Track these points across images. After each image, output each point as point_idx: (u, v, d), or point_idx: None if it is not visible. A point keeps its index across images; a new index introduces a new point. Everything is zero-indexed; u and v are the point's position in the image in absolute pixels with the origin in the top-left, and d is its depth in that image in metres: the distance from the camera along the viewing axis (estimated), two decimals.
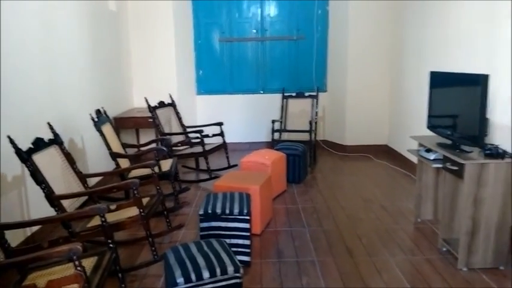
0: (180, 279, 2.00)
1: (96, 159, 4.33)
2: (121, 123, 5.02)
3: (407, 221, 3.56)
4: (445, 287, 2.56)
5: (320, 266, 2.84)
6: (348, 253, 3.02)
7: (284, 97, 5.76)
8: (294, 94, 5.75)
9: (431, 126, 3.34)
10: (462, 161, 2.64)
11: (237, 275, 2.10)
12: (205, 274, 2.04)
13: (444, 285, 2.58)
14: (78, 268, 1.78)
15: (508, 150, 2.70)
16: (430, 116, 3.35)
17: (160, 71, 5.73)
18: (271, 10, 6.13)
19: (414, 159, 4.07)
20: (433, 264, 2.83)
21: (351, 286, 2.59)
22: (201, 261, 2.11)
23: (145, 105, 4.75)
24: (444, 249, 3.00)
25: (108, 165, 4.29)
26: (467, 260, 2.74)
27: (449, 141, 3.02)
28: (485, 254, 2.73)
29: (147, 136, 5.29)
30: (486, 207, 2.68)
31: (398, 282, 2.62)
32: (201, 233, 2.86)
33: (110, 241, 2.31)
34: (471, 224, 2.70)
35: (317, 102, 5.56)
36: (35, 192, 2.90)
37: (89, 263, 2.13)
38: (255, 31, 6.17)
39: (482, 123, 2.69)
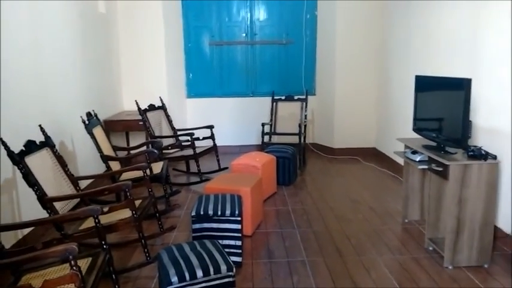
0: (174, 278, 2.03)
1: (86, 162, 4.32)
2: (111, 126, 5.02)
3: (394, 221, 3.65)
4: (431, 285, 2.63)
5: (310, 265, 2.90)
6: (337, 253, 3.09)
7: (274, 100, 5.83)
8: (283, 97, 5.82)
9: (417, 129, 3.43)
10: (447, 162, 2.73)
11: (230, 273, 2.15)
12: (199, 273, 2.08)
13: (430, 283, 2.66)
14: (74, 268, 1.80)
15: (490, 151, 2.80)
16: (415, 119, 3.44)
17: (150, 74, 5.75)
18: (261, 14, 6.21)
19: (401, 161, 4.17)
20: (419, 262, 2.91)
21: (341, 284, 2.65)
22: (194, 260, 2.15)
23: (135, 108, 4.77)
24: (430, 248, 3.08)
25: (98, 168, 4.30)
26: (453, 258, 2.82)
27: (434, 143, 3.11)
28: (470, 252, 2.82)
29: (136, 139, 5.30)
30: (470, 206, 2.76)
31: (386, 281, 2.69)
32: (193, 234, 2.90)
33: (103, 242, 2.34)
34: (456, 223, 2.78)
35: (306, 105, 5.64)
36: (27, 196, 2.91)
37: (83, 263, 2.15)
38: (244, 35, 6.24)
39: (465, 125, 2.77)
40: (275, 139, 5.63)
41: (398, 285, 2.63)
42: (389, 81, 5.41)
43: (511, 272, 2.73)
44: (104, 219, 2.69)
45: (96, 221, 2.34)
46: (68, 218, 2.48)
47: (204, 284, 2.10)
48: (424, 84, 3.37)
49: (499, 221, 3.08)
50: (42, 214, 2.61)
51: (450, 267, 2.82)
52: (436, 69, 3.95)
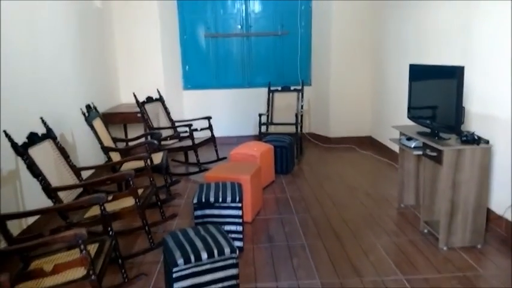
0: (180, 260, 2.10)
1: (86, 154, 4.37)
2: (109, 119, 5.05)
3: (390, 206, 3.74)
4: (427, 265, 2.72)
5: (310, 249, 2.99)
6: (336, 236, 3.17)
7: (270, 91, 5.88)
8: (279, 88, 5.88)
9: (411, 117, 3.50)
10: (441, 148, 2.81)
11: (233, 255, 2.22)
12: (204, 255, 2.15)
13: (426, 263, 2.75)
14: (84, 252, 1.87)
15: (483, 136, 2.88)
16: (410, 107, 3.51)
17: (146, 66, 5.78)
18: (256, 6, 6.24)
19: (396, 149, 4.24)
20: (415, 244, 3.01)
21: (340, 266, 2.74)
22: (199, 243, 2.22)
23: (132, 100, 4.80)
24: (425, 230, 3.17)
25: (97, 160, 4.35)
26: (447, 239, 2.92)
27: (428, 130, 3.19)
28: (463, 233, 2.91)
29: (134, 131, 5.33)
30: (463, 190, 2.85)
31: (384, 262, 2.78)
32: (196, 221, 2.97)
33: (109, 229, 2.40)
34: (450, 206, 2.87)
35: (302, 95, 5.70)
36: (30, 187, 2.96)
37: (91, 249, 2.21)
38: (239, 27, 6.27)
39: (458, 111, 2.84)
40: (272, 129, 5.69)
41: (396, 266, 2.72)
42: (383, 71, 5.48)
43: (511, 254, 2.82)
44: (108, 208, 2.73)
45: (102, 208, 2.40)
46: (74, 206, 2.54)
47: (208, 266, 2.17)
48: (418, 73, 3.43)
49: (492, 203, 3.18)
50: (46, 204, 2.66)
51: (445, 248, 2.91)
52: (430, 57, 4.02)
